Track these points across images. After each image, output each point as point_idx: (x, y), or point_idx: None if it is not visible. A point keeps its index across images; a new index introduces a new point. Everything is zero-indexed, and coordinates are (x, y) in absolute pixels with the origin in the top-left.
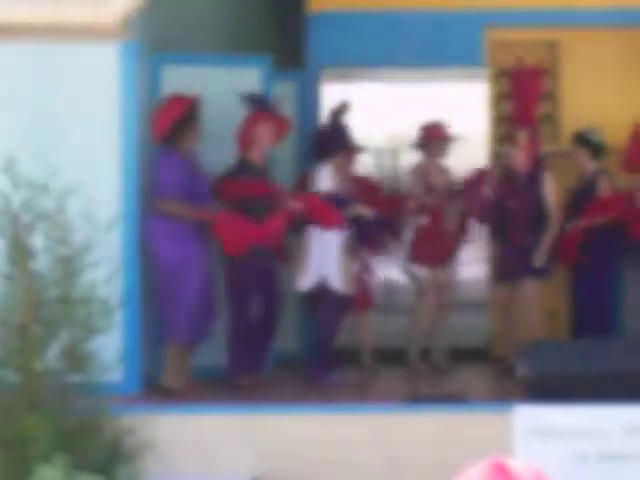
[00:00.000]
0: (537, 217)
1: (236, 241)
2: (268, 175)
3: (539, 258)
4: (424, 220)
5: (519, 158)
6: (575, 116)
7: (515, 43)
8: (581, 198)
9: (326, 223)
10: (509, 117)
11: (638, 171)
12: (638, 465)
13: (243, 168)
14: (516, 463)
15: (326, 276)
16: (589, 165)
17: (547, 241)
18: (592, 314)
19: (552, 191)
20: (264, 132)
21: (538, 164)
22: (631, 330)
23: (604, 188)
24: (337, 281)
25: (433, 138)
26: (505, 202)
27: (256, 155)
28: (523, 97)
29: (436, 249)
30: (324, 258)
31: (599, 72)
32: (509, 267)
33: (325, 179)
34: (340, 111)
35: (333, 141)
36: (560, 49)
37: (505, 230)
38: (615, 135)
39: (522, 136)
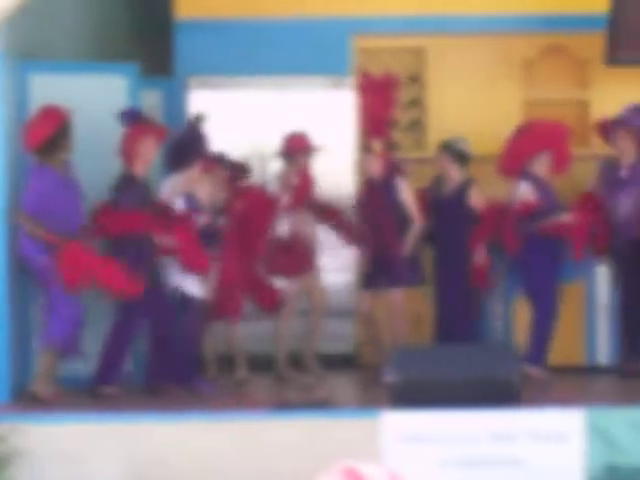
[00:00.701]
0: (400, 223)
1: (74, 275)
2: (150, 188)
3: (401, 261)
4: (284, 230)
5: (374, 166)
6: (441, 123)
7: (382, 51)
8: (452, 207)
9: (190, 266)
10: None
11: (514, 174)
12: (502, 470)
13: (127, 183)
14: (368, 467)
15: (184, 284)
16: (455, 174)
17: (409, 244)
18: (456, 320)
19: (409, 196)
20: (147, 146)
21: (393, 171)
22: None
23: (475, 198)
24: (196, 288)
25: (296, 149)
26: (365, 210)
27: (140, 169)
28: (373, 108)
29: (293, 259)
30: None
31: (466, 79)
32: (373, 274)
33: (169, 189)
34: (196, 121)
35: (188, 151)
36: (427, 56)
37: (367, 237)
38: (481, 142)
39: (377, 145)
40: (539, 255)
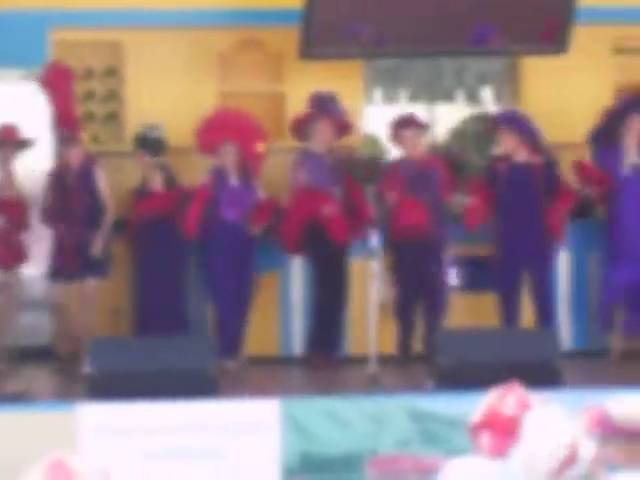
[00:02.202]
0: (94, 214)
1: None
2: None
3: (96, 251)
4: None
5: (72, 157)
6: (140, 116)
7: (81, 44)
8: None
9: None
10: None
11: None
12: (203, 462)
13: None
14: (77, 461)
15: None
16: (149, 162)
17: (102, 235)
18: (159, 312)
19: (104, 187)
20: None
21: (89, 162)
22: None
23: (156, 183)
24: None
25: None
26: (60, 200)
27: None
28: (55, 100)
29: (9, 251)
30: None
31: (163, 72)
32: (65, 264)
33: None
34: None
35: None
36: (124, 50)
37: (60, 227)
38: (179, 135)
39: (72, 136)
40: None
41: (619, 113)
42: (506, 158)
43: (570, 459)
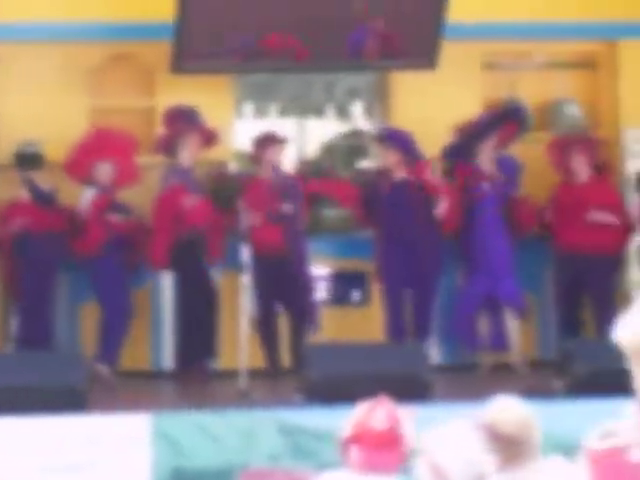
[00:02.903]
0: None
1: None
2: None
3: None
4: None
5: None
6: (12, 131)
7: None
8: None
9: None
10: None
11: (82, 181)
12: (74, 477)
13: None
14: None
15: None
16: (19, 177)
17: None
18: (28, 328)
19: None
20: None
21: None
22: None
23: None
24: None
25: None
26: None
27: None
28: None
29: None
30: None
31: (35, 87)
32: None
33: None
34: None
35: None
36: None
37: None
38: (54, 149)
39: None
40: (108, 260)
41: (476, 130)
42: (386, 174)
43: (479, 475)
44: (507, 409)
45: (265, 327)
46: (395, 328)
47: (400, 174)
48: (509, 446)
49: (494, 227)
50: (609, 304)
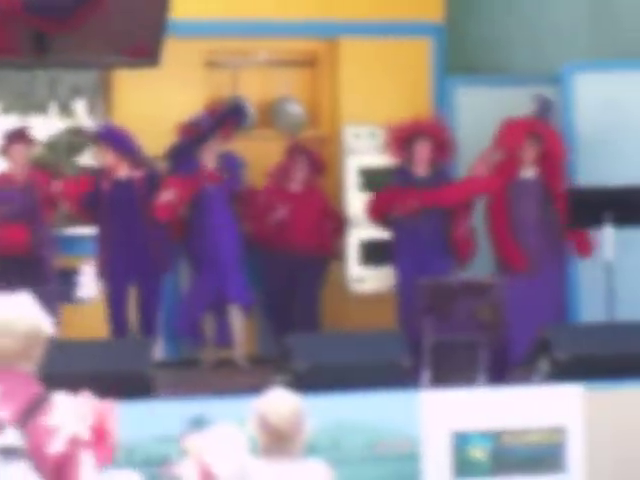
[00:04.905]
0: None
1: None
2: None
3: None
4: None
5: None
6: None
7: None
8: None
9: None
10: None
11: None
12: None
13: None
14: None
15: None
16: None
17: None
18: None
19: None
20: None
21: None
22: None
23: None
24: None
25: None
26: None
27: None
28: None
29: None
30: None
31: None
32: None
33: None
34: None
35: None
36: None
37: None
38: None
39: None
40: None
41: (198, 130)
42: (107, 174)
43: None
44: (281, 402)
45: None
46: (116, 324)
47: (123, 172)
48: (277, 438)
49: (221, 225)
50: (315, 302)
